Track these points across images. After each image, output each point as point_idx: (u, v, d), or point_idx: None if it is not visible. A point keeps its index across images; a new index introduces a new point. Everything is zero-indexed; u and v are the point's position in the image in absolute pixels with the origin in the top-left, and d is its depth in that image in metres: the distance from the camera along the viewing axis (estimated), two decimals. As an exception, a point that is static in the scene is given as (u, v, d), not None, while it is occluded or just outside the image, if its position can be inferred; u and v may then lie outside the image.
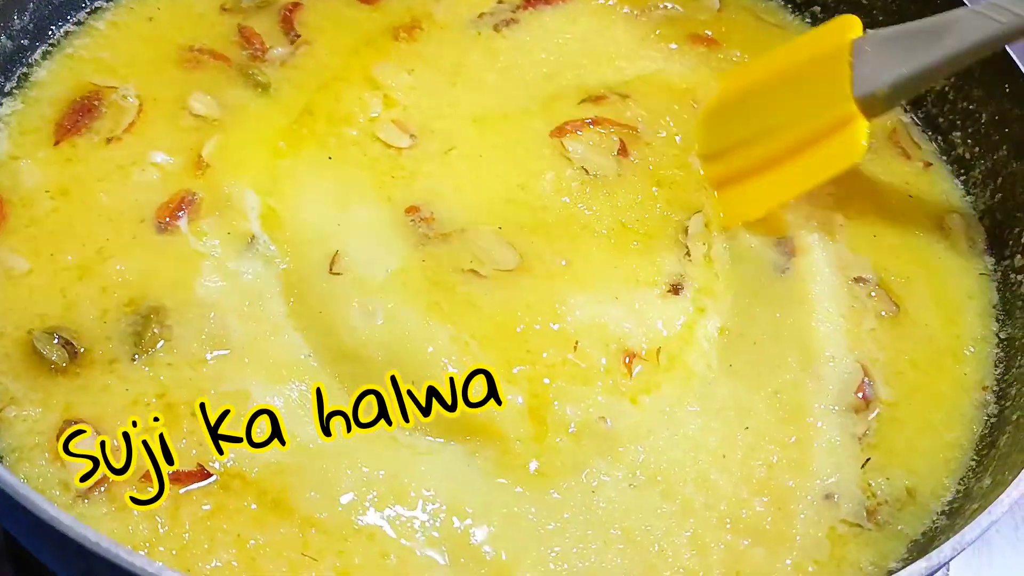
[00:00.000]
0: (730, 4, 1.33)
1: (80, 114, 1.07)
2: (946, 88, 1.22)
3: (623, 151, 1.13)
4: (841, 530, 0.90)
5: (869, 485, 0.92)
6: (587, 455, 0.91)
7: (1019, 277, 1.08)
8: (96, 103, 1.08)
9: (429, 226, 1.03)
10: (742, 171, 1.08)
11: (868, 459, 0.93)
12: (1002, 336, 1.06)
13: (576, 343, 0.97)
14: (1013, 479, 0.82)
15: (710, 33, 1.28)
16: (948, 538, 0.78)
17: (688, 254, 1.06)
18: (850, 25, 1.05)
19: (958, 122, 1.21)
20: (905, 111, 1.26)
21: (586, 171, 1.11)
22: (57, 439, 0.85)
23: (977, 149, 1.18)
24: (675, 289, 1.03)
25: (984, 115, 1.17)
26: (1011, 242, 1.11)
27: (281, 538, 0.84)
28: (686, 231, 1.08)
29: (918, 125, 1.25)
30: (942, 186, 1.20)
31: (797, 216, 1.10)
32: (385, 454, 0.89)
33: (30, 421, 0.86)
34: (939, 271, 1.11)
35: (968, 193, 1.18)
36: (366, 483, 0.87)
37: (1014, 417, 0.97)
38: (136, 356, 0.90)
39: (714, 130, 1.12)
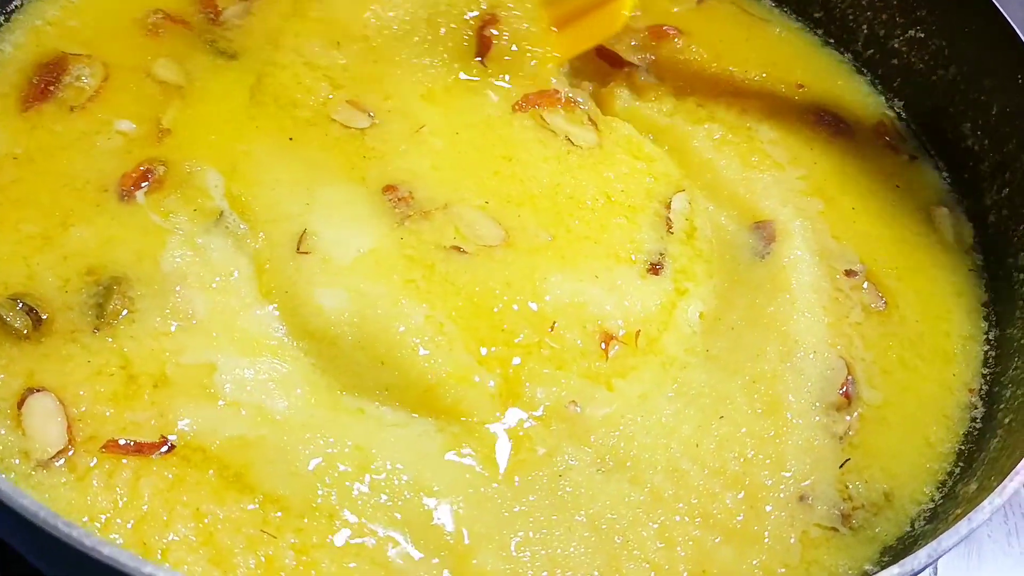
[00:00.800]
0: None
1: (47, 81, 1.04)
2: (957, 78, 1.17)
3: (592, 121, 1.11)
4: (814, 534, 0.87)
5: (846, 487, 0.89)
6: (556, 438, 0.89)
7: (1021, 275, 1.05)
8: (63, 70, 1.05)
9: (408, 205, 1.00)
10: (568, 16, 1.16)
11: (847, 460, 0.90)
12: (991, 336, 1.03)
13: (553, 323, 0.94)
14: (998, 485, 0.79)
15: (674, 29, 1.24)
16: (926, 543, 0.75)
17: (670, 229, 1.04)
18: None
19: (968, 113, 1.17)
20: (890, 104, 1.24)
21: (571, 141, 1.09)
22: (18, 407, 0.84)
23: (987, 141, 1.14)
24: (655, 268, 1.01)
25: (996, 107, 1.13)
26: (1016, 239, 1.07)
27: (241, 514, 0.81)
28: (669, 205, 1.06)
29: (903, 120, 1.23)
30: (928, 179, 1.17)
31: (772, 201, 1.07)
32: (353, 425, 0.87)
33: (-9, 388, 0.85)
34: (927, 266, 1.08)
35: (975, 187, 1.15)
36: (330, 457, 0.85)
37: (1006, 421, 0.93)
38: (97, 328, 0.88)
39: None
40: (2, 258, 0.92)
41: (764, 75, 1.23)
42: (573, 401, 0.90)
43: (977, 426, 0.96)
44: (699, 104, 1.18)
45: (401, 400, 0.89)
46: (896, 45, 1.24)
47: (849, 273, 1.03)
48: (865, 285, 1.03)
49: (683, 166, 1.12)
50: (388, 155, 1.04)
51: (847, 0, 1.28)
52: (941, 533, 0.76)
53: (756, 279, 1.01)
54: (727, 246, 1.05)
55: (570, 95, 1.13)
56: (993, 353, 1.02)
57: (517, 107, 1.11)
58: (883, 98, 1.26)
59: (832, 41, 1.31)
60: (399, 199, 1.00)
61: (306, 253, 0.94)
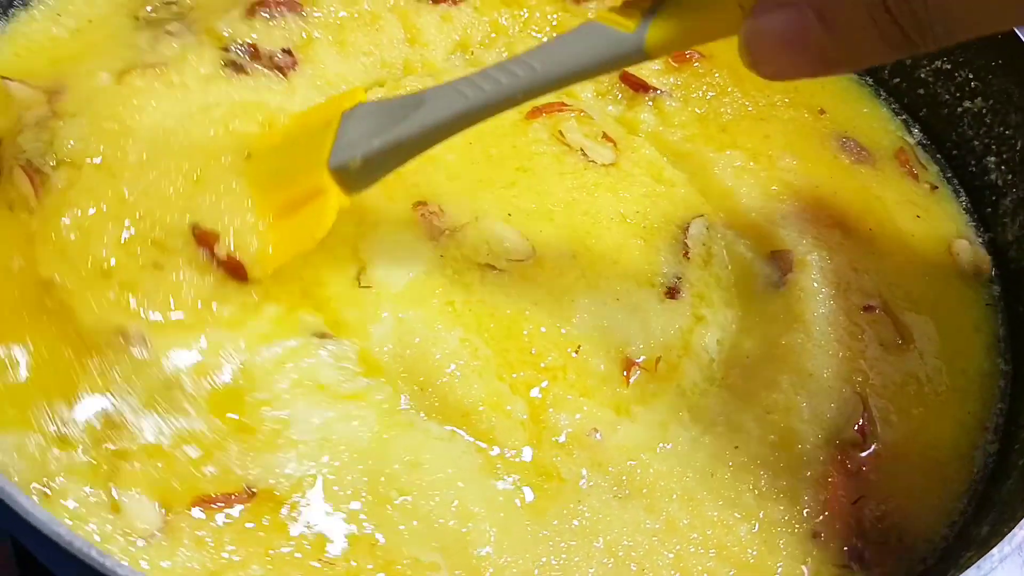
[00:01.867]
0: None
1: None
2: (984, 111, 1.18)
3: (608, 137, 1.12)
4: (826, 573, 0.87)
5: (860, 524, 0.90)
6: (577, 465, 0.90)
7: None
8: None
9: (440, 219, 1.01)
10: (277, 213, 0.99)
11: (860, 497, 0.91)
12: (1007, 371, 1.04)
13: (579, 347, 0.96)
14: (1009, 532, 0.80)
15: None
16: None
17: (687, 255, 1.04)
18: (353, 97, 0.99)
19: (993, 146, 1.17)
20: (910, 132, 1.24)
21: (586, 156, 1.09)
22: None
23: (1011, 176, 1.14)
24: (672, 293, 1.01)
25: (1020, 142, 1.13)
26: (1033, 277, 1.08)
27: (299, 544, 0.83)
28: (687, 230, 1.06)
29: (924, 146, 1.23)
30: (948, 210, 1.17)
31: (791, 230, 1.07)
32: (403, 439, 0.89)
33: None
34: (945, 299, 1.08)
35: (996, 221, 1.15)
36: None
37: (1020, 462, 0.94)
38: None
39: (263, 168, 1.03)
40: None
41: (787, 100, 1.23)
42: (595, 428, 0.91)
43: (991, 465, 0.96)
44: (721, 129, 1.18)
45: (443, 418, 0.91)
46: (922, 75, 1.25)
47: (867, 308, 1.03)
48: (882, 318, 1.03)
49: (703, 192, 1.11)
50: (404, 171, 1.04)
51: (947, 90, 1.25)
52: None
53: (772, 310, 1.01)
54: (744, 274, 1.05)
55: (583, 109, 1.14)
56: (1010, 390, 1.02)
57: (530, 115, 1.11)
58: (906, 127, 1.26)
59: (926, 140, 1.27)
60: (430, 213, 1.01)
61: (367, 287, 0.96)
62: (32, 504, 0.71)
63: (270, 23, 1.11)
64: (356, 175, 0.92)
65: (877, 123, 1.26)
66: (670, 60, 1.22)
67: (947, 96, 1.22)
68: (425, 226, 1.00)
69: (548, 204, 1.05)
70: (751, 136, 1.17)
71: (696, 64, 1.22)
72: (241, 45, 1.08)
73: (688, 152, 1.15)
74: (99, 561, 0.69)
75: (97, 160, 0.96)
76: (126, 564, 0.71)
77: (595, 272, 1.01)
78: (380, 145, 0.90)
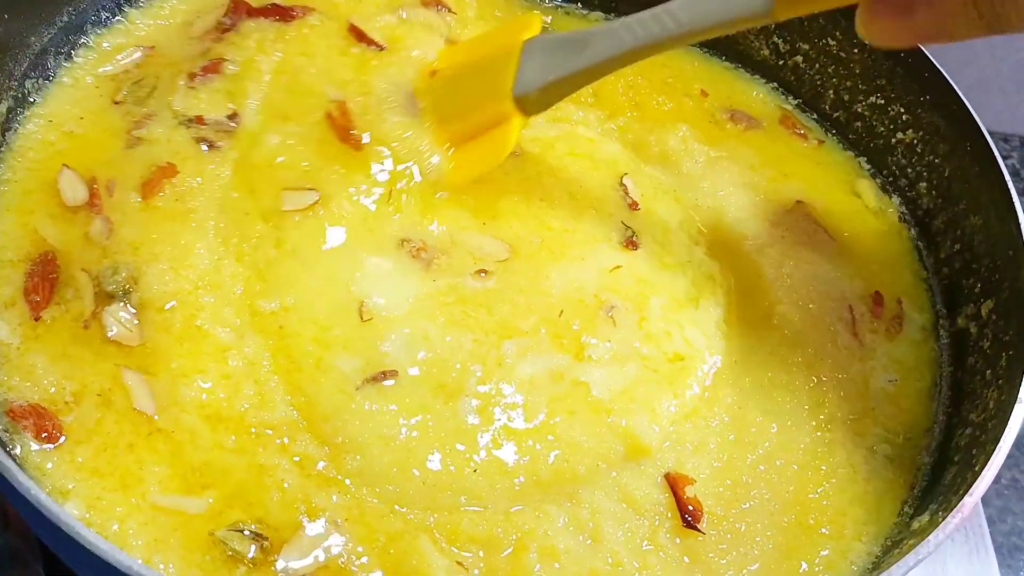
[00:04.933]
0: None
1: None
2: (915, 141, 1.30)
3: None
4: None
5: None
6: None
7: (971, 324, 1.17)
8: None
9: (426, 251, 1.10)
10: (457, 139, 1.15)
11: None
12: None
13: (560, 312, 1.08)
14: (943, 520, 0.91)
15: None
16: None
17: (635, 207, 1.20)
18: (530, 24, 1.15)
19: (924, 173, 1.29)
20: (787, 99, 1.43)
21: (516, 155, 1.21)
22: None
23: (940, 200, 1.26)
24: (632, 243, 1.16)
25: (947, 169, 1.25)
26: (966, 291, 1.19)
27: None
28: (624, 188, 1.21)
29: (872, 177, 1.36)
30: (838, 158, 1.37)
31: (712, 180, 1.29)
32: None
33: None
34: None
35: (932, 242, 1.27)
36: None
37: (956, 458, 1.06)
38: None
39: (434, 99, 1.18)
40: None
41: (667, 86, 1.38)
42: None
43: (933, 462, 1.08)
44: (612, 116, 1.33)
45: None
46: (859, 109, 1.37)
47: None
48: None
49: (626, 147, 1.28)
50: (374, 215, 1.13)
51: (815, 68, 1.40)
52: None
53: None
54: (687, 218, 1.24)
55: None
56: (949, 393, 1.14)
57: None
58: (782, 95, 1.43)
59: (803, 105, 1.43)
60: (417, 250, 1.10)
61: (369, 320, 1.04)
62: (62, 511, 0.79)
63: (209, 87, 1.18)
64: (534, 102, 1.11)
65: (755, 96, 1.42)
66: None
67: (882, 128, 1.34)
68: (412, 259, 1.10)
69: (508, 203, 1.16)
70: (644, 121, 1.32)
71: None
72: (191, 119, 1.15)
73: (605, 131, 1.31)
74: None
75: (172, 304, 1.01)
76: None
77: (561, 246, 1.14)
78: (555, 78, 1.08)
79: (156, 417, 0.94)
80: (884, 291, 1.20)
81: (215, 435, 0.95)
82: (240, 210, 1.08)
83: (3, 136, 1.13)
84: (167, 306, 1.00)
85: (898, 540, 1.00)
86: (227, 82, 1.18)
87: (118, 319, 0.98)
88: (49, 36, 1.19)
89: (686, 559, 0.96)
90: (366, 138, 1.12)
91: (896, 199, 1.32)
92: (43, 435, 0.92)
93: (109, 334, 0.98)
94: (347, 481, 0.95)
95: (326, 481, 0.94)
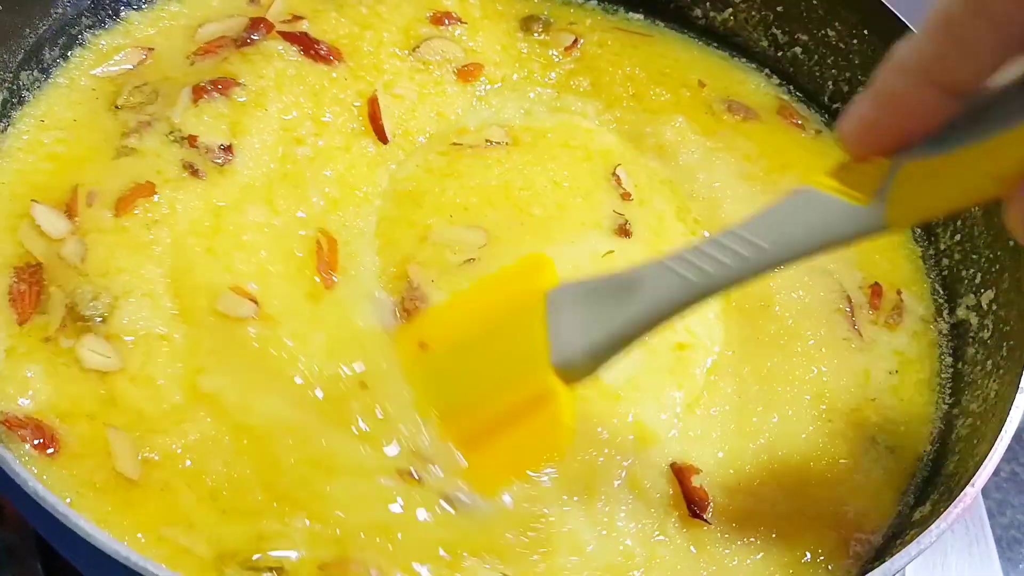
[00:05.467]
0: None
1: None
2: (914, 132, 1.29)
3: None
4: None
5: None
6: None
7: (971, 315, 1.16)
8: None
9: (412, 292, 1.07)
10: (479, 435, 0.91)
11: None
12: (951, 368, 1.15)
13: None
14: (945, 510, 0.91)
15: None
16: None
17: (627, 197, 1.19)
18: (542, 270, 0.92)
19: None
20: (787, 91, 1.40)
21: (489, 141, 1.22)
22: None
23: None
24: (624, 231, 1.15)
25: (948, 160, 1.25)
26: (966, 281, 1.19)
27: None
28: (617, 178, 1.21)
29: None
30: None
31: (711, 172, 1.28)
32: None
33: None
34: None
35: (931, 233, 1.27)
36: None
37: (958, 448, 1.05)
38: None
39: (430, 385, 0.95)
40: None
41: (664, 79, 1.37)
42: None
43: (933, 453, 1.08)
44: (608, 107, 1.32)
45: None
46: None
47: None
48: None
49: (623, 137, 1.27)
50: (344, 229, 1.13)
51: (815, 59, 1.40)
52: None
53: None
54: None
55: None
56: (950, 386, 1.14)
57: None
58: (781, 87, 1.42)
59: (801, 95, 1.43)
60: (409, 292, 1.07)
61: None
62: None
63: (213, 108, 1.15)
64: (580, 369, 0.86)
65: (753, 87, 1.41)
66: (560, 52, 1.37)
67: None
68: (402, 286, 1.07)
69: (483, 195, 1.16)
70: (642, 112, 1.32)
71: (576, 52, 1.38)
72: (184, 137, 1.12)
73: (603, 122, 1.31)
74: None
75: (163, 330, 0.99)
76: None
77: (547, 228, 1.14)
78: (602, 339, 0.84)
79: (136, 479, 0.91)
80: (883, 281, 1.20)
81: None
82: (189, 264, 1.03)
83: (-3, 135, 1.12)
84: (127, 340, 0.97)
85: (900, 530, 1.00)
86: (233, 109, 1.15)
87: (93, 351, 0.96)
88: (44, 28, 1.19)
89: (692, 549, 0.96)
90: (335, 279, 1.05)
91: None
92: (38, 442, 0.91)
93: (88, 366, 0.95)
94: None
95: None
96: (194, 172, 1.10)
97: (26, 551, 1.13)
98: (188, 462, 0.92)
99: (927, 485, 1.04)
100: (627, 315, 0.83)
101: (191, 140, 1.12)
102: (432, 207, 1.15)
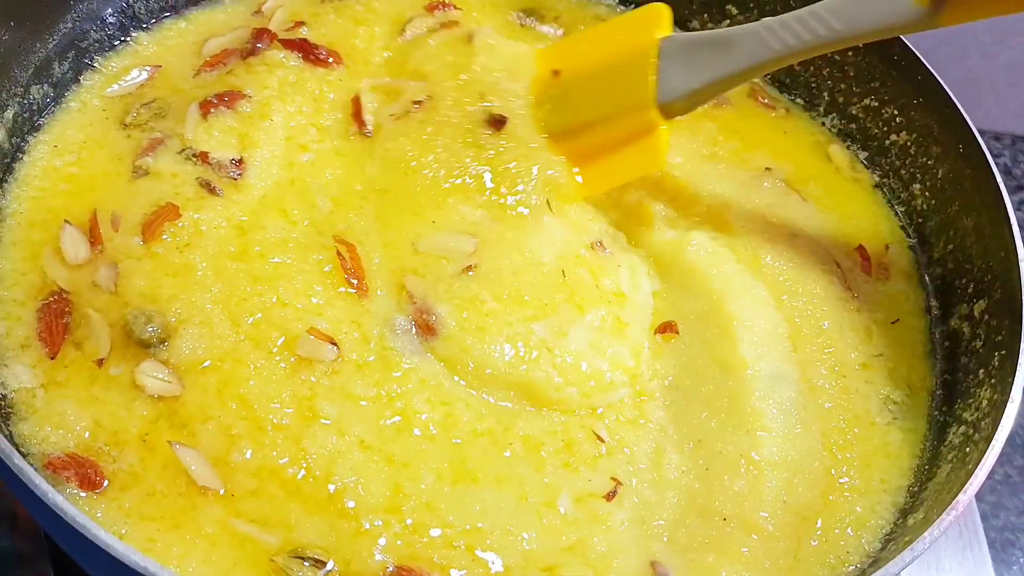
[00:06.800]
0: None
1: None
2: (908, 143, 1.32)
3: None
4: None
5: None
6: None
7: (963, 324, 1.19)
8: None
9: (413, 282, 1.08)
10: (585, 152, 1.12)
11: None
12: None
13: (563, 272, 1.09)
14: (938, 518, 0.93)
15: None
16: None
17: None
18: (658, 18, 1.10)
19: (918, 175, 1.31)
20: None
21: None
22: None
23: (934, 201, 1.28)
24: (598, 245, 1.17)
25: (941, 171, 1.27)
26: (958, 291, 1.21)
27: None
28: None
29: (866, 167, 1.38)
30: (807, 125, 1.41)
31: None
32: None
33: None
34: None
35: (926, 242, 1.29)
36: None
37: (951, 456, 1.07)
38: None
39: (550, 110, 1.14)
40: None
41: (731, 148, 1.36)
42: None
43: (926, 462, 1.10)
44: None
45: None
46: (854, 111, 1.39)
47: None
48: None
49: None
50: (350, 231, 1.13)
51: (810, 71, 1.42)
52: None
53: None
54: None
55: None
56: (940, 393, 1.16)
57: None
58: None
59: (800, 103, 1.44)
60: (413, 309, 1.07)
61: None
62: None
63: (221, 122, 1.16)
64: (678, 108, 1.07)
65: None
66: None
67: (876, 130, 1.36)
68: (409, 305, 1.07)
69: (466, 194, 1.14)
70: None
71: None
72: (196, 154, 1.13)
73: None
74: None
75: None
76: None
77: (521, 222, 1.12)
78: (701, 85, 1.05)
79: (222, 491, 0.93)
80: (867, 243, 1.25)
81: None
82: (237, 291, 1.04)
83: (11, 164, 1.13)
84: (202, 365, 0.98)
85: (894, 537, 1.02)
86: (241, 122, 1.17)
87: (154, 376, 0.97)
88: (53, 43, 1.21)
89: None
90: (366, 286, 1.06)
91: (890, 198, 1.35)
92: (86, 482, 0.90)
93: (148, 392, 0.96)
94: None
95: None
96: (211, 190, 1.11)
97: (38, 556, 1.15)
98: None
99: (921, 492, 1.06)
100: (722, 69, 1.04)
101: (203, 157, 1.13)
102: (413, 213, 1.12)
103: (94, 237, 1.06)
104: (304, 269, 1.07)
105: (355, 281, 1.07)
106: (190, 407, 0.96)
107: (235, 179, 1.13)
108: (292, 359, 1.00)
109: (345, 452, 0.96)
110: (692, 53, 1.06)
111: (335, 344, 1.01)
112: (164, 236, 1.06)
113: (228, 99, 1.18)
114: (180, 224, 1.07)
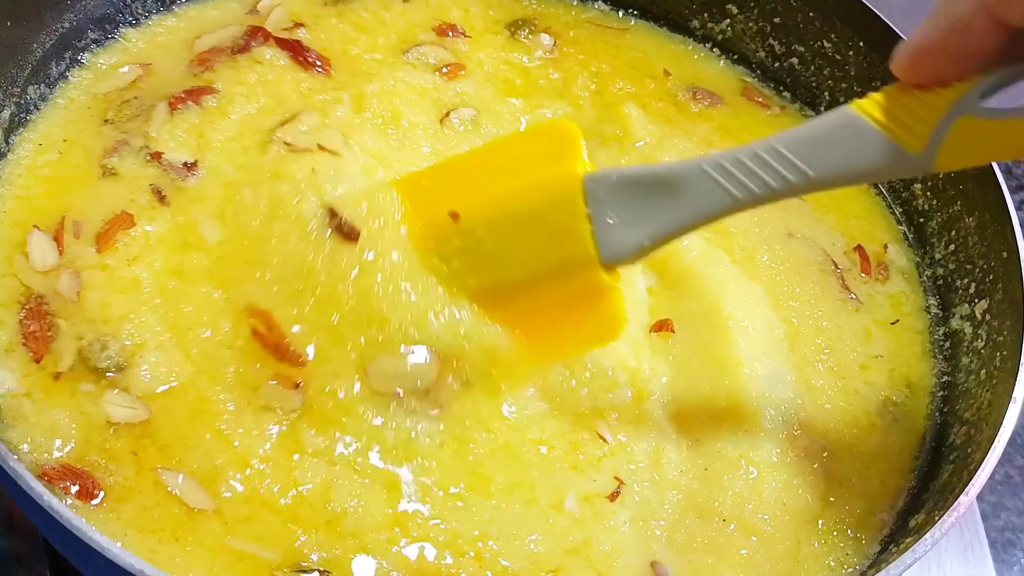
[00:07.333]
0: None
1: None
2: (909, 143, 1.31)
3: None
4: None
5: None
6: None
7: (965, 324, 1.18)
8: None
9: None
10: (525, 318, 0.94)
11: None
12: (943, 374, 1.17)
13: None
14: (940, 519, 0.93)
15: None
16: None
17: None
18: (572, 145, 0.89)
19: (919, 175, 1.30)
20: (749, 71, 1.43)
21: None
22: None
23: (935, 201, 1.28)
24: None
25: (942, 172, 1.26)
26: (960, 291, 1.21)
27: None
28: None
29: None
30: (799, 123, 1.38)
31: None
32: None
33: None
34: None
35: (926, 242, 1.28)
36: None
37: (952, 456, 1.07)
38: None
39: (464, 262, 0.92)
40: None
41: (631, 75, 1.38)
42: None
43: (926, 464, 1.09)
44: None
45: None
46: (855, 111, 1.38)
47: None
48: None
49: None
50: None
51: (811, 71, 1.42)
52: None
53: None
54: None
55: None
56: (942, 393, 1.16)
57: None
58: (742, 67, 1.45)
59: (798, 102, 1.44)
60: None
61: None
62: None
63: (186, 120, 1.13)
64: (624, 264, 0.90)
65: (715, 72, 1.44)
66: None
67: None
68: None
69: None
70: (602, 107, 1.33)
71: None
72: (151, 154, 1.10)
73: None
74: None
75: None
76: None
77: None
78: (650, 243, 0.87)
79: (213, 511, 0.90)
80: (865, 243, 1.25)
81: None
82: (181, 313, 0.99)
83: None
84: (163, 391, 0.95)
85: (895, 538, 1.02)
86: (203, 119, 1.13)
87: (116, 404, 0.94)
88: (51, 43, 1.20)
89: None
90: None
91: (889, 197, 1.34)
92: (83, 493, 0.88)
93: (114, 420, 0.93)
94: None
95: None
96: (161, 198, 1.07)
97: (35, 557, 1.14)
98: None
99: (922, 493, 1.06)
100: (673, 219, 0.86)
101: (157, 157, 1.10)
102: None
103: (59, 242, 1.03)
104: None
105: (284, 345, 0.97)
106: (165, 432, 0.94)
107: (185, 184, 1.09)
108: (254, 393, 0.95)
109: (341, 477, 0.94)
110: (630, 198, 0.86)
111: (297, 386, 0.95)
112: (117, 246, 1.02)
113: (196, 95, 1.15)
114: (133, 234, 1.04)
